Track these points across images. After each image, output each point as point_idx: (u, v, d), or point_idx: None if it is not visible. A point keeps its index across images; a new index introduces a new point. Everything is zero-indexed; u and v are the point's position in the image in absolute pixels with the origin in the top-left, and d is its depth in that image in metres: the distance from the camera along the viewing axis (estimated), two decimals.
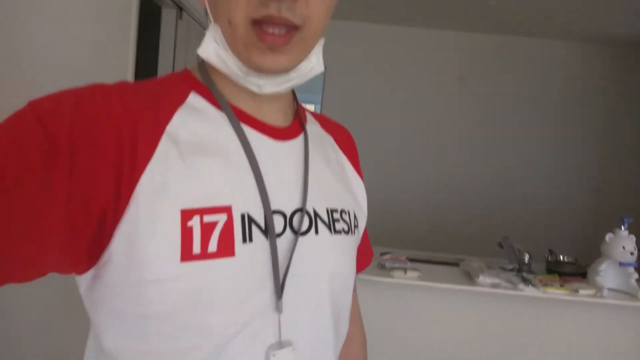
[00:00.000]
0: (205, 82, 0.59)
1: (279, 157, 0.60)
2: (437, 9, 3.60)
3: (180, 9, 2.38)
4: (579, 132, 4.31)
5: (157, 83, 0.58)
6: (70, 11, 1.49)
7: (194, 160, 0.53)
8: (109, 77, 0.67)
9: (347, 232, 0.65)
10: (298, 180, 0.61)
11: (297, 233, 0.58)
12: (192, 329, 0.52)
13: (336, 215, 0.64)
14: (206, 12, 0.59)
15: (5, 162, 0.45)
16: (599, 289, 2.05)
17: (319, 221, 0.61)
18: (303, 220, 0.59)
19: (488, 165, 4.32)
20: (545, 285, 2.07)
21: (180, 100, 0.56)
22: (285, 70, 0.57)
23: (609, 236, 2.09)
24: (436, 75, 4.25)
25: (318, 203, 0.62)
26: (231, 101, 0.59)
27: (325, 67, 0.62)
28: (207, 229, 0.51)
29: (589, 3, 3.25)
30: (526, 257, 2.38)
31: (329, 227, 0.62)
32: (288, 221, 0.58)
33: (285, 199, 0.58)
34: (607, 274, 2.08)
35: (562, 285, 2.08)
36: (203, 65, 0.61)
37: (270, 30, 0.52)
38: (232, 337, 0.53)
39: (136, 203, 0.49)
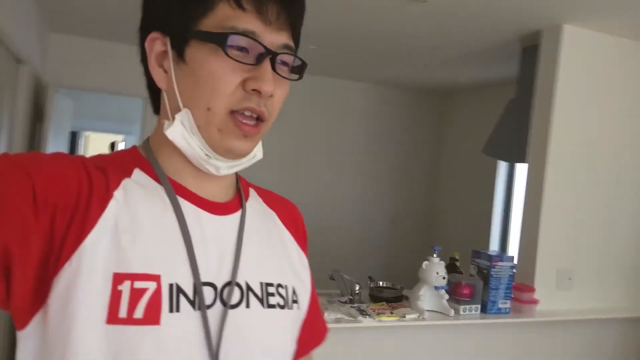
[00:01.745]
0: (148, 158, 0.64)
1: (215, 231, 0.63)
2: None
3: None
4: (378, 169, 4.83)
5: (107, 158, 0.63)
6: None
7: (132, 230, 0.56)
8: None
9: (282, 307, 0.66)
10: (231, 254, 0.63)
11: (226, 305, 0.60)
12: None
13: (271, 290, 0.66)
14: (159, 95, 0.65)
15: (8, 184, 0.51)
16: (420, 312, 2.30)
17: (250, 295, 0.63)
18: (233, 293, 0.61)
19: (306, 202, 4.52)
20: (379, 314, 2.25)
21: (125, 174, 0.61)
22: (247, 154, 0.65)
23: (425, 263, 2.35)
24: None
25: (252, 277, 0.64)
26: (173, 177, 0.64)
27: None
28: (135, 295, 0.53)
29: (383, 55, 3.69)
30: (357, 287, 2.57)
31: (261, 300, 0.64)
32: (219, 293, 0.60)
33: (217, 272, 0.61)
34: (425, 298, 2.35)
35: (392, 313, 2.29)
36: (147, 143, 0.66)
37: (245, 120, 0.61)
38: None
39: (77, 260, 0.52)
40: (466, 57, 3.53)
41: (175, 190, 0.62)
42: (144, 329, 0.53)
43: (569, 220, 2.64)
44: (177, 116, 0.61)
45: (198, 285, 0.58)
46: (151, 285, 0.55)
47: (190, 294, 0.57)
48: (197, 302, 0.57)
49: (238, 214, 0.67)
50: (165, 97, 0.63)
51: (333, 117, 4.65)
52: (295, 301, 0.70)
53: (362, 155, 4.77)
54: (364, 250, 4.74)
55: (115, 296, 0.53)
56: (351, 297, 2.51)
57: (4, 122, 2.44)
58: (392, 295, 2.65)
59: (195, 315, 0.57)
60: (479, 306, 2.37)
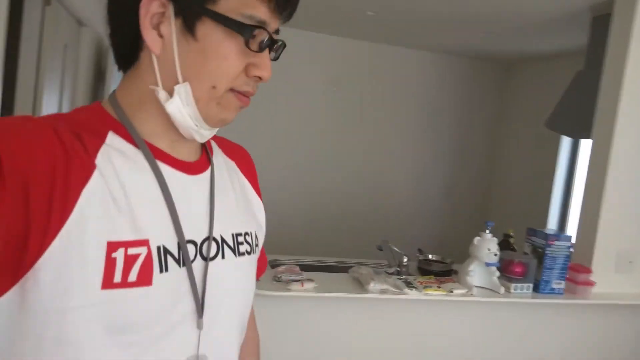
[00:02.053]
0: (121, 121, 0.63)
1: (190, 191, 0.67)
2: (317, 14, 3.66)
3: None
4: (433, 138, 4.72)
5: (76, 120, 0.61)
6: None
7: (119, 197, 0.58)
8: None
9: (249, 253, 0.74)
10: (207, 211, 0.68)
11: (206, 259, 0.66)
12: (110, 347, 0.56)
13: (240, 239, 0.72)
14: (131, 50, 0.64)
15: None
16: (469, 287, 2.27)
17: (225, 246, 0.69)
18: (211, 247, 0.67)
19: (358, 170, 4.54)
20: (426, 287, 2.24)
21: (100, 138, 0.60)
22: None
23: (476, 239, 2.30)
24: (309, 77, 4.32)
25: (224, 229, 0.70)
26: (149, 140, 0.64)
27: None
28: (129, 261, 0.57)
29: (445, 22, 3.55)
30: (405, 259, 2.56)
31: (233, 250, 0.71)
32: (198, 249, 0.65)
33: (196, 229, 0.66)
34: (475, 274, 2.31)
35: (439, 287, 2.27)
36: (117, 102, 0.65)
37: (245, 96, 0.65)
38: (147, 351, 0.59)
39: (66, 234, 0.53)
40: (532, 26, 3.35)
41: (153, 154, 0.64)
42: (137, 290, 0.57)
43: (633, 200, 2.50)
44: (177, 89, 0.62)
45: (182, 244, 0.62)
46: (143, 251, 0.58)
47: (175, 253, 0.62)
48: (181, 260, 0.62)
49: (208, 171, 0.71)
50: (155, 61, 0.62)
51: (387, 86, 4.56)
52: (257, 245, 0.78)
53: (417, 126, 4.68)
54: (415, 223, 4.70)
55: (110, 264, 0.55)
56: (398, 269, 2.50)
57: (68, 81, 2.56)
58: (441, 269, 2.63)
59: (182, 271, 0.62)
60: (531, 285, 2.31)
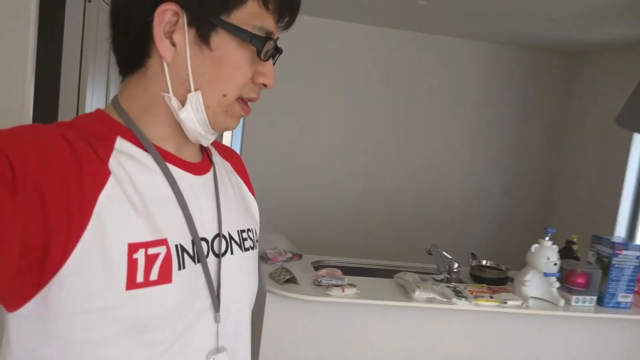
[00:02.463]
0: (128, 126, 0.66)
1: (198, 190, 0.70)
2: (367, 4, 3.53)
3: None
4: (490, 135, 4.47)
5: (84, 127, 0.63)
6: None
7: (135, 200, 0.60)
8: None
9: (252, 248, 0.78)
10: (214, 209, 0.72)
11: (218, 255, 0.70)
12: (134, 347, 0.59)
13: (244, 235, 0.76)
14: (135, 55, 0.65)
15: None
16: (524, 299, 2.11)
17: (233, 243, 0.73)
18: (221, 244, 0.71)
19: (407, 168, 4.37)
20: (476, 297, 2.09)
21: (109, 144, 0.62)
22: None
23: (534, 247, 2.14)
24: (357, 71, 4.19)
25: (231, 226, 0.74)
26: (156, 144, 0.67)
27: None
28: (150, 260, 0.59)
29: (507, 9, 3.34)
30: (455, 265, 2.41)
31: (240, 246, 0.75)
32: (210, 246, 0.69)
33: (206, 227, 0.69)
34: (531, 284, 2.15)
35: (491, 297, 2.11)
36: (121, 108, 0.67)
37: (247, 105, 0.70)
38: (172, 347, 0.62)
39: (88, 240, 0.54)
40: (601, 12, 3.09)
41: (162, 156, 0.66)
42: (159, 288, 0.59)
43: None
44: (190, 97, 0.65)
45: (197, 241, 0.66)
46: (162, 250, 0.60)
47: (191, 250, 0.65)
48: (196, 256, 0.65)
49: (211, 172, 0.75)
50: (166, 69, 0.64)
51: (442, 79, 4.35)
52: (257, 240, 0.82)
53: (472, 122, 4.44)
54: (468, 226, 4.46)
55: (132, 264, 0.57)
56: (448, 276, 2.36)
57: (114, 77, 2.57)
58: (495, 277, 2.48)
59: (197, 267, 0.65)
60: (594, 298, 2.15)
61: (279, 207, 3.98)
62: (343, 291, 1.96)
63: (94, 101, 2.35)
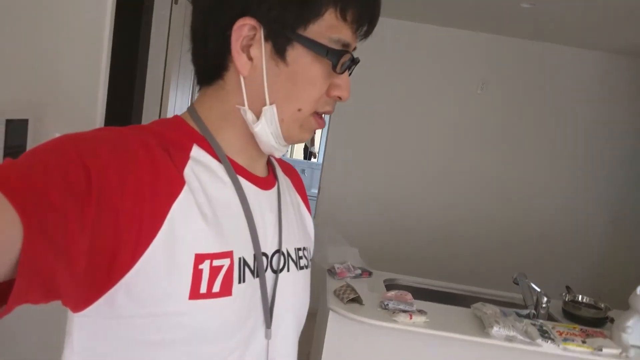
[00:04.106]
0: (204, 135, 0.67)
1: (263, 205, 0.70)
2: (465, 9, 3.32)
3: None
4: (601, 154, 4.00)
5: (162, 133, 0.64)
6: None
7: (206, 210, 0.60)
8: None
9: (307, 267, 0.78)
10: (276, 224, 0.72)
11: (276, 272, 0.70)
12: (190, 355, 0.59)
13: (300, 253, 0.76)
14: (215, 68, 0.66)
15: (54, 184, 0.48)
16: (624, 348, 1.84)
17: (290, 260, 0.73)
18: (280, 260, 0.71)
19: (497, 185, 4.02)
20: (565, 340, 1.85)
21: (186, 152, 0.63)
22: None
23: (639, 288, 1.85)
24: (452, 78, 3.94)
25: (289, 243, 0.74)
26: (230, 155, 0.68)
27: None
28: (214, 272, 0.59)
29: (620, 15, 2.98)
30: (544, 300, 2.17)
31: (296, 264, 0.74)
32: (269, 261, 0.69)
33: (268, 242, 0.69)
34: (634, 331, 1.86)
35: (584, 341, 1.86)
36: (198, 117, 0.68)
37: (322, 119, 0.70)
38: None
39: (157, 247, 0.55)
40: None
41: (234, 168, 0.67)
42: (220, 300, 0.60)
43: None
44: (265, 111, 0.65)
45: (258, 256, 0.66)
46: (226, 262, 0.61)
47: (252, 264, 0.65)
48: (255, 271, 0.65)
49: (276, 187, 0.75)
50: (243, 83, 0.65)
51: (543, 91, 3.96)
52: (311, 259, 0.82)
53: (577, 138, 4.00)
54: (565, 254, 4.01)
55: (197, 275, 0.58)
56: (534, 312, 2.12)
57: None
58: (592, 316, 2.22)
59: (255, 282, 0.65)
60: None
61: (359, 220, 3.87)
62: (411, 318, 1.81)
63: (177, 103, 2.40)
